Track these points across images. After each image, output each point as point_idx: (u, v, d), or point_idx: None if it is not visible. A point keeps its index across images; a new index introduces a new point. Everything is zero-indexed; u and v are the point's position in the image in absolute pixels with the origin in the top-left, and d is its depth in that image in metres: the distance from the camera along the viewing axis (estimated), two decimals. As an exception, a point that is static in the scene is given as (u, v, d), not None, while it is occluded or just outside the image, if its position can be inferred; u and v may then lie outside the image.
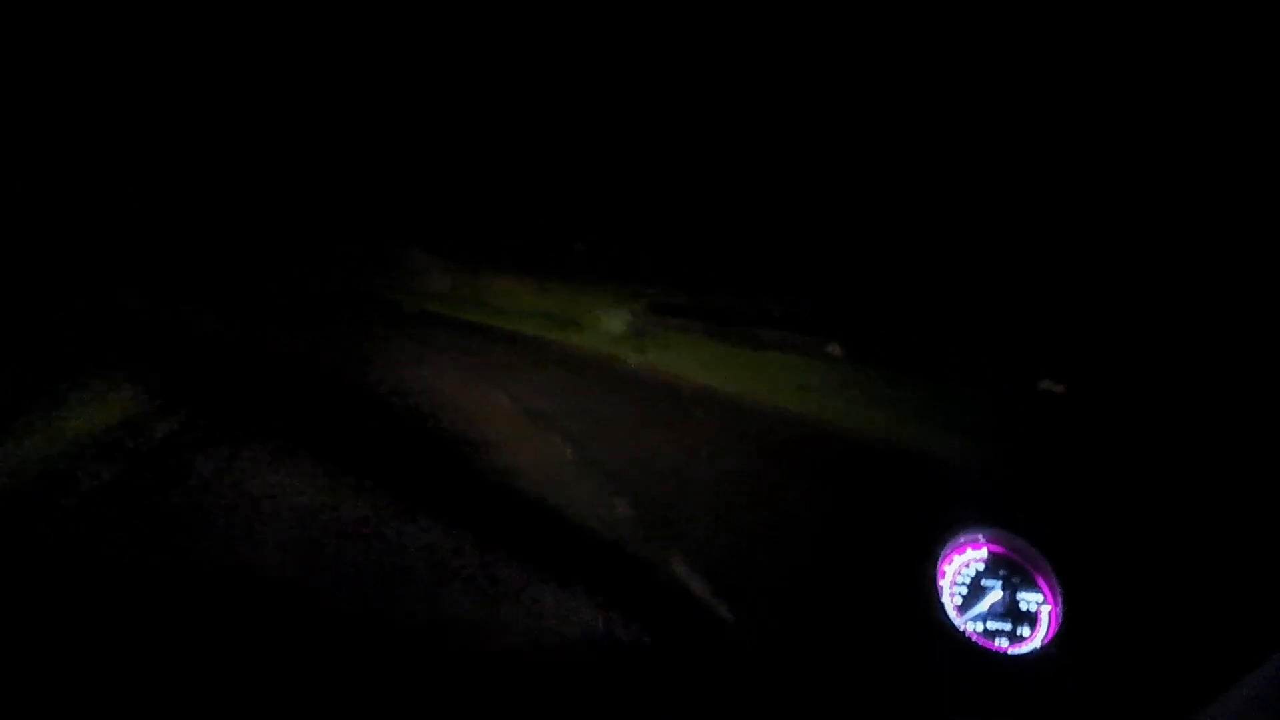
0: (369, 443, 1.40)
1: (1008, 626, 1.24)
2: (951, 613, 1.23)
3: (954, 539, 1.28)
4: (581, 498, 1.35)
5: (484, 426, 1.49)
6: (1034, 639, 1.22)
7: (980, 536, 1.30)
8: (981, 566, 1.28)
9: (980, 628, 1.24)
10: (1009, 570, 1.28)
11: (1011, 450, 1.40)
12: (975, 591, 1.26)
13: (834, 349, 1.49)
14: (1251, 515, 1.21)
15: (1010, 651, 1.21)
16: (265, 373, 1.52)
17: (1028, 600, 1.25)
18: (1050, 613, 1.24)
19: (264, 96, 1.68)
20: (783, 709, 1.11)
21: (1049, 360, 1.41)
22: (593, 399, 1.57)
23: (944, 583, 1.26)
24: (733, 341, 1.62)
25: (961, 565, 1.28)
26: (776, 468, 1.39)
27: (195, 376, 1.49)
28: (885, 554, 1.25)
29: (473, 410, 1.52)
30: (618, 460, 1.41)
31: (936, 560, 1.26)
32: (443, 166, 1.72)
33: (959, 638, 1.21)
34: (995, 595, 1.26)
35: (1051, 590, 1.25)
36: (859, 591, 1.22)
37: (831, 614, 1.19)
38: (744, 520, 1.31)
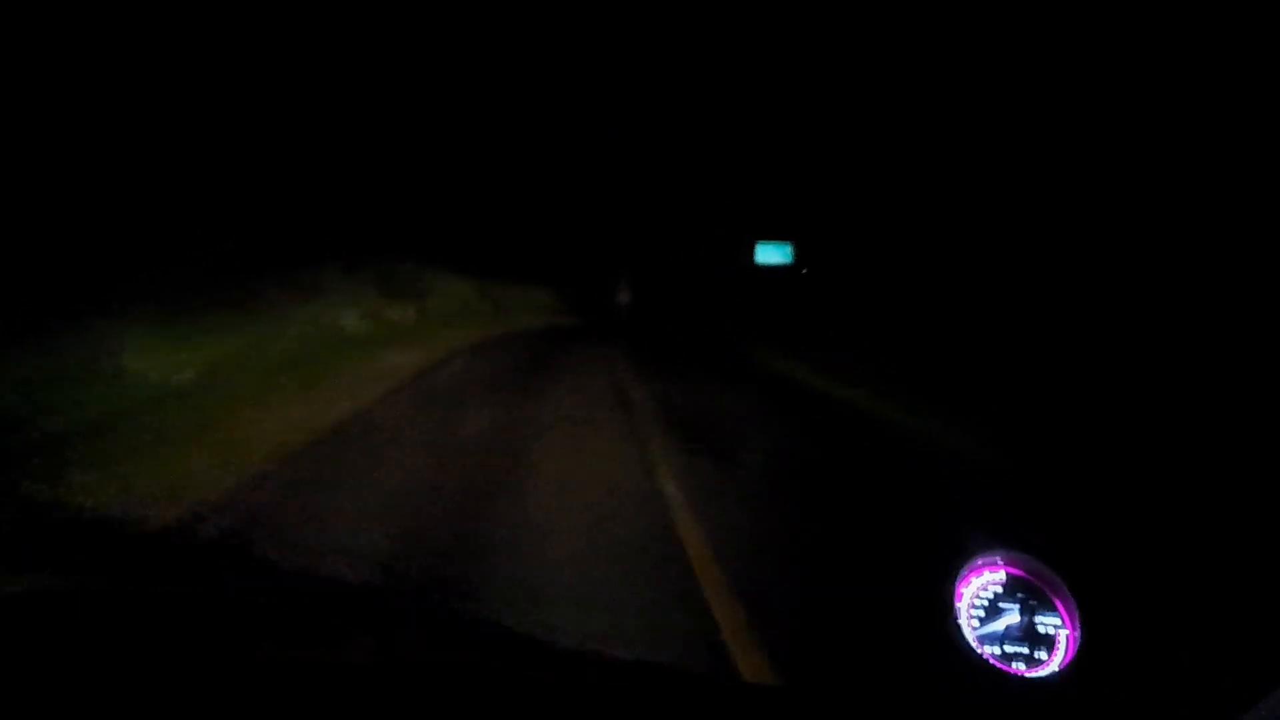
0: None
1: (1025, 650, 1.24)
2: (969, 634, 1.24)
3: (972, 560, 1.29)
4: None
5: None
6: (1051, 663, 1.23)
7: (999, 558, 1.30)
8: (1000, 589, 1.29)
9: (997, 650, 1.24)
10: (1027, 593, 1.28)
11: (1031, 473, 1.41)
12: (993, 613, 1.27)
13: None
14: (1270, 543, 1.21)
15: (1027, 675, 1.22)
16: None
17: (1045, 624, 1.25)
18: (1068, 637, 1.24)
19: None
20: None
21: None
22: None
23: (961, 604, 1.27)
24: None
25: (980, 587, 1.29)
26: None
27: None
28: (904, 574, 1.27)
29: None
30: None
31: (954, 581, 1.27)
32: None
33: (976, 660, 1.21)
34: (1013, 618, 1.26)
35: (1069, 614, 1.25)
36: (877, 611, 1.23)
37: (850, 632, 1.20)
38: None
